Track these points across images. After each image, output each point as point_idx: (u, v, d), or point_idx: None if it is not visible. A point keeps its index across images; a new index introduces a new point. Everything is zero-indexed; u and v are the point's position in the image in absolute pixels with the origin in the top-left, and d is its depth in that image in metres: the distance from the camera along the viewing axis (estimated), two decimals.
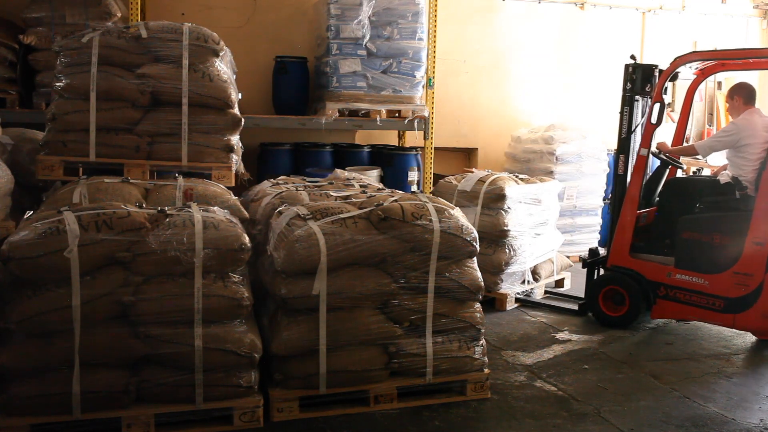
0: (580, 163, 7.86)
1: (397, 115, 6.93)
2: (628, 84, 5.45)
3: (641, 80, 5.42)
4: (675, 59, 5.30)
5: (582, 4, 9.12)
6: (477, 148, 8.88)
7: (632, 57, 5.54)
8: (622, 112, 5.49)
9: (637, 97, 5.45)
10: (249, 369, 3.50)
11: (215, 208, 3.72)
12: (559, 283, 6.69)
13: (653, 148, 5.42)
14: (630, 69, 5.45)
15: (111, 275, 3.30)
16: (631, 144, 5.49)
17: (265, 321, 3.78)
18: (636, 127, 5.46)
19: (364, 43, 6.71)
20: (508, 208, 5.88)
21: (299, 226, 3.63)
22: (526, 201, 6.07)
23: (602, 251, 5.87)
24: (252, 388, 3.52)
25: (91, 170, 4.70)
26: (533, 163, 7.95)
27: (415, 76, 6.89)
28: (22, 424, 3.22)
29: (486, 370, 4.02)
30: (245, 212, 4.24)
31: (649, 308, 5.28)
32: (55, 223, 3.25)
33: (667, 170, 5.67)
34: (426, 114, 6.94)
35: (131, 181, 4.24)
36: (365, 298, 3.69)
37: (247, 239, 3.52)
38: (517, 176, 6.41)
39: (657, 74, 5.46)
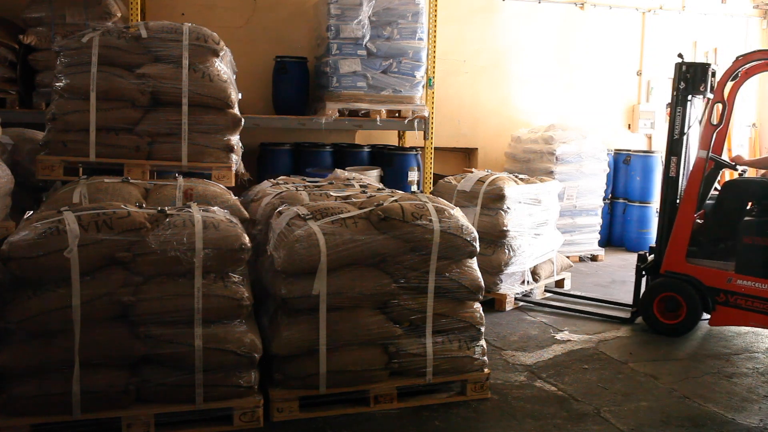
0: (580, 163, 7.86)
1: (397, 115, 6.93)
2: (682, 83, 5.24)
3: (696, 79, 5.23)
4: (737, 58, 5.12)
5: (582, 4, 9.12)
6: (477, 148, 8.88)
7: (680, 56, 5.39)
8: (674, 113, 5.30)
9: (690, 96, 5.27)
10: (249, 369, 3.50)
11: (215, 208, 3.72)
12: (559, 283, 6.67)
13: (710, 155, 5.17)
14: (684, 68, 5.26)
15: (111, 275, 3.30)
16: (683, 145, 5.31)
17: (265, 321, 3.78)
18: (689, 128, 5.30)
19: (364, 43, 6.71)
20: (508, 208, 5.86)
21: (299, 226, 3.63)
22: (525, 201, 6.06)
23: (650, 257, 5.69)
24: (252, 388, 3.52)
25: (91, 170, 4.70)
26: (533, 163, 7.95)
27: (415, 76, 6.89)
28: (22, 424, 3.22)
29: (486, 370, 4.02)
30: (245, 212, 4.24)
31: (708, 315, 5.15)
32: (55, 223, 3.25)
33: (719, 174, 5.43)
34: (426, 114, 6.94)
35: (131, 181, 4.24)
36: (365, 298, 3.69)
37: (247, 239, 3.52)
38: (516, 176, 6.39)
39: (710, 73, 5.28)
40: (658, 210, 5.57)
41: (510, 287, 5.96)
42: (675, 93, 5.32)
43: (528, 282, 6.14)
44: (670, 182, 5.37)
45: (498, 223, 5.81)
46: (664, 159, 5.47)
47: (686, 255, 5.19)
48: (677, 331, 5.23)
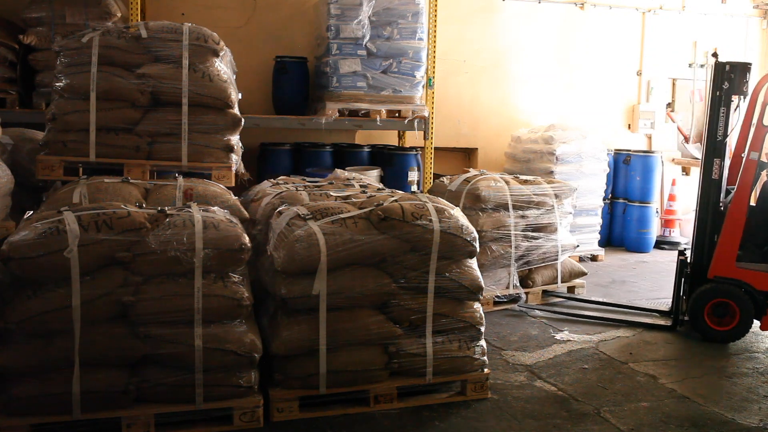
0: (580, 163, 7.85)
1: (397, 115, 6.93)
2: (725, 83, 5.10)
3: (738, 79, 5.11)
4: None
5: (582, 4, 9.12)
6: (477, 148, 8.88)
7: (714, 55, 5.31)
8: (716, 114, 5.15)
9: (733, 97, 5.14)
10: (249, 369, 3.50)
11: (215, 208, 3.72)
12: (571, 290, 6.40)
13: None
14: (727, 67, 5.12)
15: (111, 275, 3.30)
16: (727, 147, 5.19)
17: (265, 321, 3.78)
18: (732, 129, 5.20)
19: (364, 43, 6.71)
20: (486, 208, 5.78)
21: (299, 226, 3.63)
22: (516, 203, 5.91)
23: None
24: (252, 388, 3.52)
25: (91, 170, 4.71)
26: (533, 163, 7.95)
27: (415, 76, 6.89)
28: (22, 424, 3.22)
29: (486, 370, 4.02)
30: (245, 212, 4.25)
31: (758, 320, 5.07)
32: (55, 223, 3.25)
33: (761, 175, 5.28)
34: (426, 114, 6.94)
35: (131, 181, 4.24)
36: (365, 298, 3.69)
37: (247, 239, 3.52)
38: (517, 177, 6.30)
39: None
40: (696, 213, 5.37)
41: (491, 289, 5.77)
42: (717, 93, 5.17)
43: (514, 286, 5.96)
44: (712, 185, 5.22)
45: (474, 223, 5.61)
46: (703, 161, 5.28)
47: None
48: (730, 338, 5.13)
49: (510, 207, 5.91)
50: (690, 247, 5.50)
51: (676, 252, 5.67)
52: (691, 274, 5.35)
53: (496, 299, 5.92)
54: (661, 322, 5.58)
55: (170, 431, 3.42)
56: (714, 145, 5.22)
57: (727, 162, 5.38)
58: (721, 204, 5.24)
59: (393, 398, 3.80)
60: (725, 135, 5.18)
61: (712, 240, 5.21)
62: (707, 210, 5.27)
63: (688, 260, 5.42)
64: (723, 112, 5.17)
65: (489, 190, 5.84)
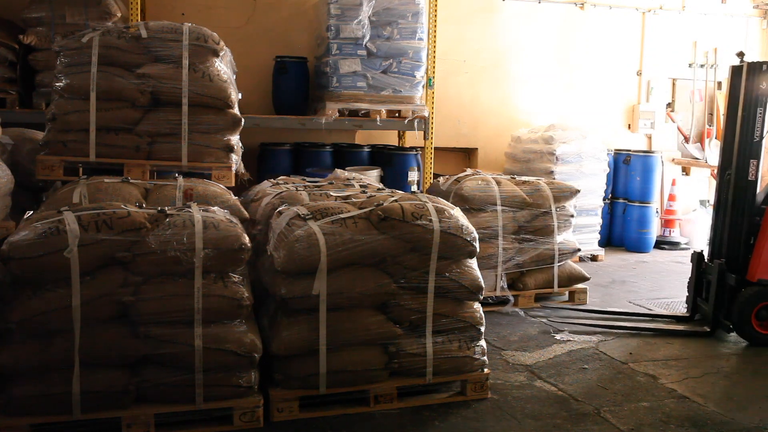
0: (580, 163, 7.86)
1: (397, 115, 6.94)
2: (763, 83, 5.06)
3: None
4: None
5: (582, 4, 9.12)
6: (477, 148, 8.89)
7: (740, 54, 5.26)
8: (752, 114, 5.11)
9: None
10: (249, 369, 3.50)
11: (215, 208, 3.72)
12: (572, 297, 6.18)
13: None
14: (764, 67, 5.06)
15: (111, 275, 3.30)
16: (762, 149, 5.16)
17: (265, 321, 3.78)
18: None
19: (364, 43, 6.72)
20: (472, 208, 5.74)
21: (299, 226, 3.63)
22: (506, 203, 5.84)
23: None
24: (252, 388, 3.52)
25: (91, 170, 4.71)
26: (533, 163, 7.95)
27: (415, 76, 6.89)
28: (22, 424, 3.22)
29: (486, 370, 4.02)
30: (245, 212, 4.25)
31: None
32: (55, 223, 3.25)
33: None
34: (426, 114, 6.94)
35: (131, 181, 4.24)
36: (365, 298, 3.69)
37: (247, 239, 3.52)
38: (514, 177, 6.26)
39: None
40: (726, 214, 5.27)
41: None
42: (754, 94, 5.11)
43: (502, 288, 5.83)
44: (749, 186, 5.18)
45: None
46: (735, 162, 5.19)
47: None
48: None
49: (498, 207, 5.85)
50: (708, 247, 5.42)
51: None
52: (730, 278, 5.18)
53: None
54: (684, 327, 5.49)
55: (170, 431, 3.42)
56: (750, 146, 5.17)
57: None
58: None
59: (393, 398, 3.80)
60: (762, 136, 5.15)
61: (748, 242, 5.17)
62: (742, 211, 5.21)
63: (718, 263, 5.25)
64: (760, 113, 5.14)
65: (473, 189, 5.80)
